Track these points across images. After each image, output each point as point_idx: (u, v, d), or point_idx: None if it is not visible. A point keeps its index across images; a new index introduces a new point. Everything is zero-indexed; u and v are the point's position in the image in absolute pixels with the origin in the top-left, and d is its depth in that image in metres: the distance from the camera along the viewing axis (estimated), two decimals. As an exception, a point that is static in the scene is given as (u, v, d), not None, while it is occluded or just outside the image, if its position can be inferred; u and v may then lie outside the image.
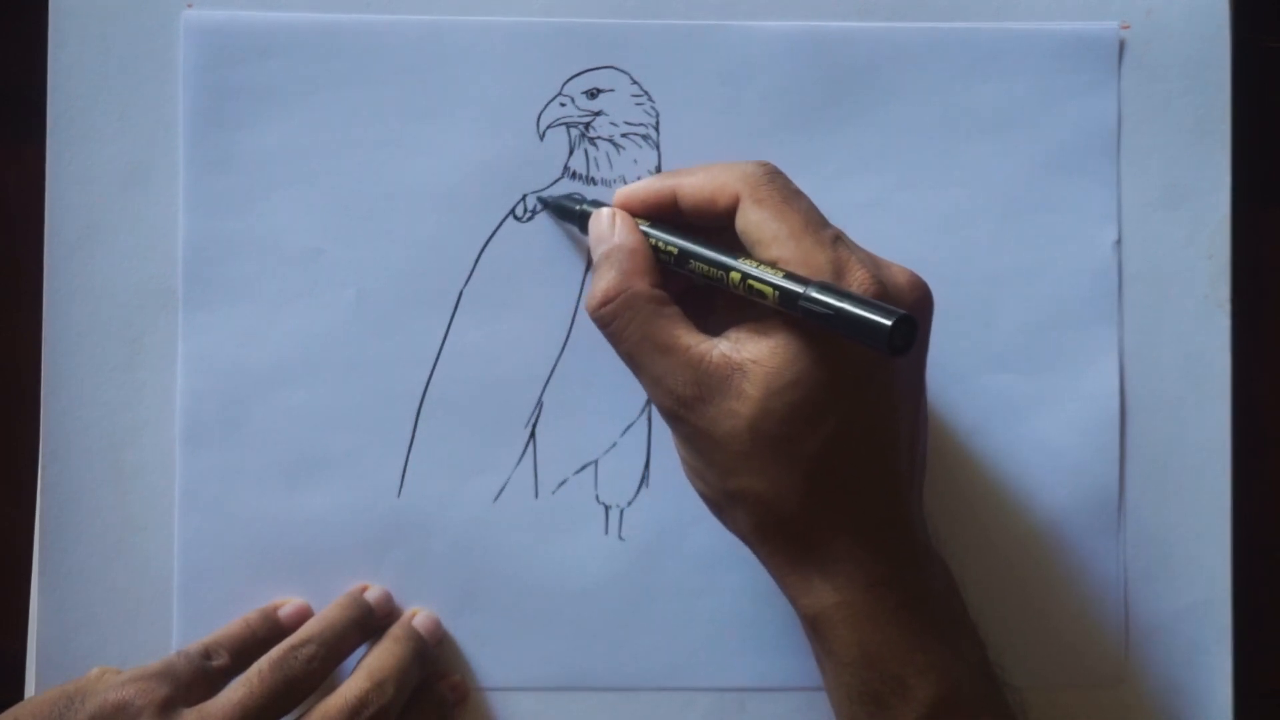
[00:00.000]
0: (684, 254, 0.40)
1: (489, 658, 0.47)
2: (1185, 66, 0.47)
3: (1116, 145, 0.47)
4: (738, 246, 0.39)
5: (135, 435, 0.47)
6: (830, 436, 0.37)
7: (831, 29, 0.47)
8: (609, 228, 0.41)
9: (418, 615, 0.46)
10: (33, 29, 0.46)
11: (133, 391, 0.47)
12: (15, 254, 0.48)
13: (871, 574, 0.38)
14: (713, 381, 0.37)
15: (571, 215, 0.45)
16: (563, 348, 0.47)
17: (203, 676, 0.41)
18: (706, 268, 0.39)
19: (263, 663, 0.41)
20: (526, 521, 0.47)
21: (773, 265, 0.37)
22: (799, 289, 0.36)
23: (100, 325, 0.47)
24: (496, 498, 0.47)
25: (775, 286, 0.36)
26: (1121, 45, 0.47)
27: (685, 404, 0.38)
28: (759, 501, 0.38)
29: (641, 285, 0.39)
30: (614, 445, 0.47)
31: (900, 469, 0.39)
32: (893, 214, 0.47)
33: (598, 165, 0.47)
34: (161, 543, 0.47)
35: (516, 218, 0.47)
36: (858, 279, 0.37)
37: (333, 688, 0.42)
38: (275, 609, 0.45)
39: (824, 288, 0.35)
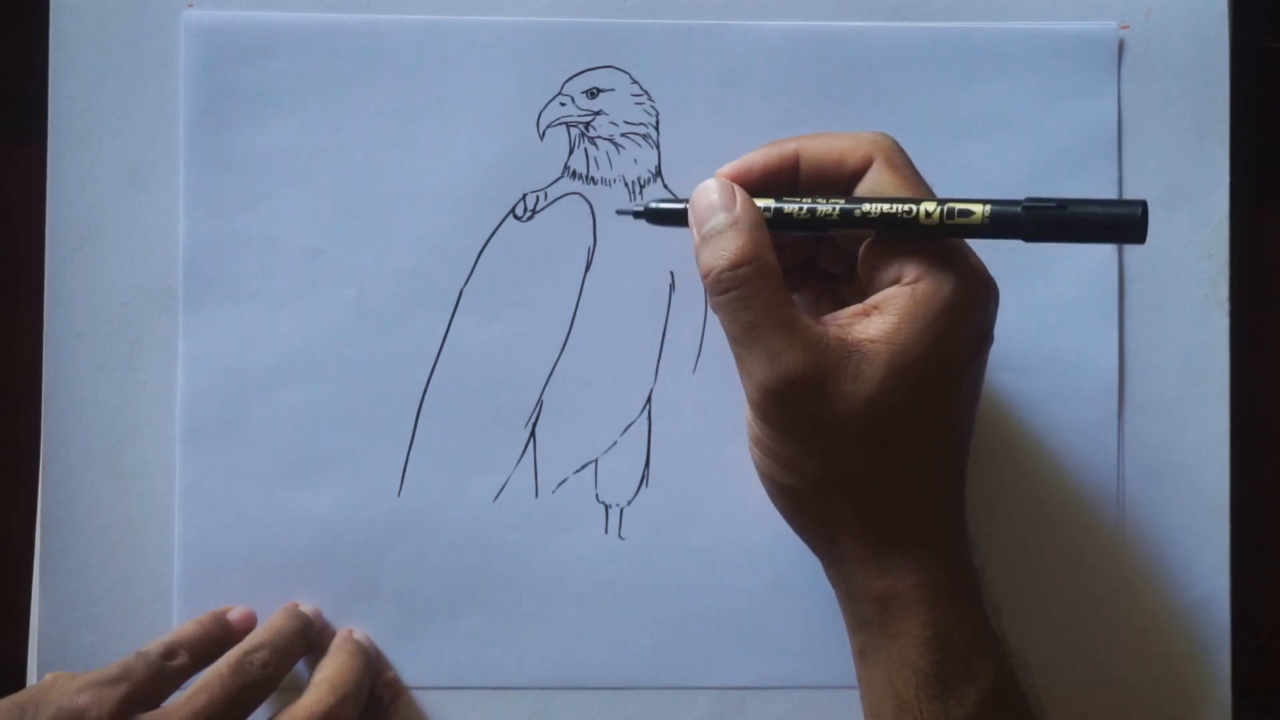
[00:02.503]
0: (848, 208, 0.37)
1: (489, 657, 0.47)
2: (1185, 67, 0.47)
3: (1116, 145, 0.47)
4: None
5: (135, 435, 0.47)
6: (933, 417, 0.38)
7: (831, 29, 0.47)
8: (729, 198, 0.38)
9: (355, 632, 0.46)
10: (33, 29, 0.46)
11: (133, 391, 0.47)
12: (15, 254, 0.48)
13: (947, 554, 0.39)
14: (831, 362, 0.36)
15: (674, 215, 0.41)
16: (563, 347, 0.47)
17: (161, 677, 0.40)
18: (887, 210, 0.36)
19: (221, 666, 0.41)
20: (526, 521, 0.47)
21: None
22: (1014, 209, 0.35)
23: (100, 325, 0.47)
24: (496, 497, 0.47)
25: (988, 201, 0.35)
26: (1121, 45, 0.47)
27: (800, 385, 0.36)
28: (860, 483, 0.38)
29: (772, 257, 0.38)
30: (614, 445, 0.47)
31: (966, 452, 0.40)
32: (893, 214, 0.47)
33: (598, 165, 0.47)
34: (161, 543, 0.47)
35: (517, 217, 0.47)
36: (972, 257, 0.38)
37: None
38: (224, 612, 0.45)
39: (1037, 200, 0.35)
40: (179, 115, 0.47)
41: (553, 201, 0.47)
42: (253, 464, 0.47)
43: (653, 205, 0.41)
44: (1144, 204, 0.34)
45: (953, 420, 0.39)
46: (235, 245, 0.47)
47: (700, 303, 0.47)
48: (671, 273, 0.47)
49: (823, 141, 0.39)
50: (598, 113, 0.47)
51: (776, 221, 0.38)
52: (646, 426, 0.47)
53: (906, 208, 0.36)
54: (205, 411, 0.47)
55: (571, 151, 0.47)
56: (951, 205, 0.36)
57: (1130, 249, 0.47)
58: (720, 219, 0.38)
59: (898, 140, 0.39)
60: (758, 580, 0.47)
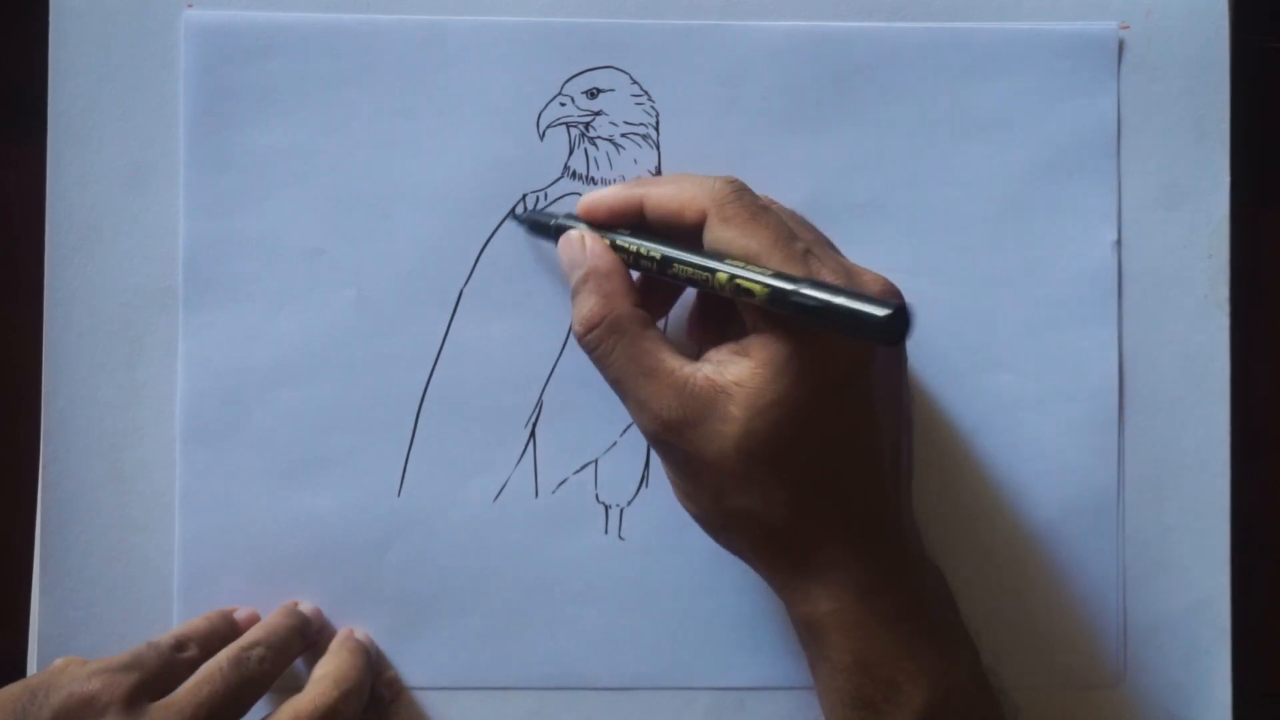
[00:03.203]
0: (666, 259, 0.39)
1: (489, 657, 0.47)
2: (1185, 67, 0.47)
3: (1116, 145, 0.47)
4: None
5: (135, 435, 0.47)
6: (815, 450, 0.37)
7: (831, 29, 0.47)
8: (580, 250, 0.41)
9: (355, 631, 0.46)
10: (33, 29, 0.46)
11: (133, 391, 0.47)
12: (15, 254, 0.48)
13: (863, 581, 0.39)
14: (698, 404, 0.37)
15: (546, 230, 0.44)
16: (563, 347, 0.47)
17: (171, 668, 0.41)
18: (691, 270, 0.38)
19: (221, 659, 0.41)
20: (526, 521, 0.47)
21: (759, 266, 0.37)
22: (789, 286, 0.35)
23: (100, 325, 0.47)
24: (496, 497, 0.47)
25: (765, 284, 0.36)
26: (1121, 45, 0.47)
27: (671, 428, 0.38)
28: (752, 519, 0.38)
29: (624, 307, 0.39)
30: (614, 445, 0.47)
31: (885, 477, 0.39)
32: (893, 214, 0.47)
33: (598, 165, 0.47)
34: (161, 543, 0.47)
35: (516, 218, 0.47)
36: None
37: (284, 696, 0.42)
38: (231, 612, 0.46)
39: (814, 283, 0.35)
40: (179, 115, 0.47)
41: (553, 201, 0.47)
42: (253, 464, 0.47)
43: (533, 217, 0.44)
44: (898, 308, 0.33)
45: (846, 450, 0.38)
46: (235, 245, 0.47)
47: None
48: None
49: (665, 191, 0.40)
50: (598, 113, 0.47)
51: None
52: (646, 426, 0.47)
53: (704, 275, 0.38)
54: (205, 411, 0.47)
55: (571, 152, 0.47)
56: (739, 281, 0.36)
57: (1130, 249, 0.47)
58: (576, 276, 0.40)
59: (744, 184, 0.39)
60: (757, 580, 0.47)
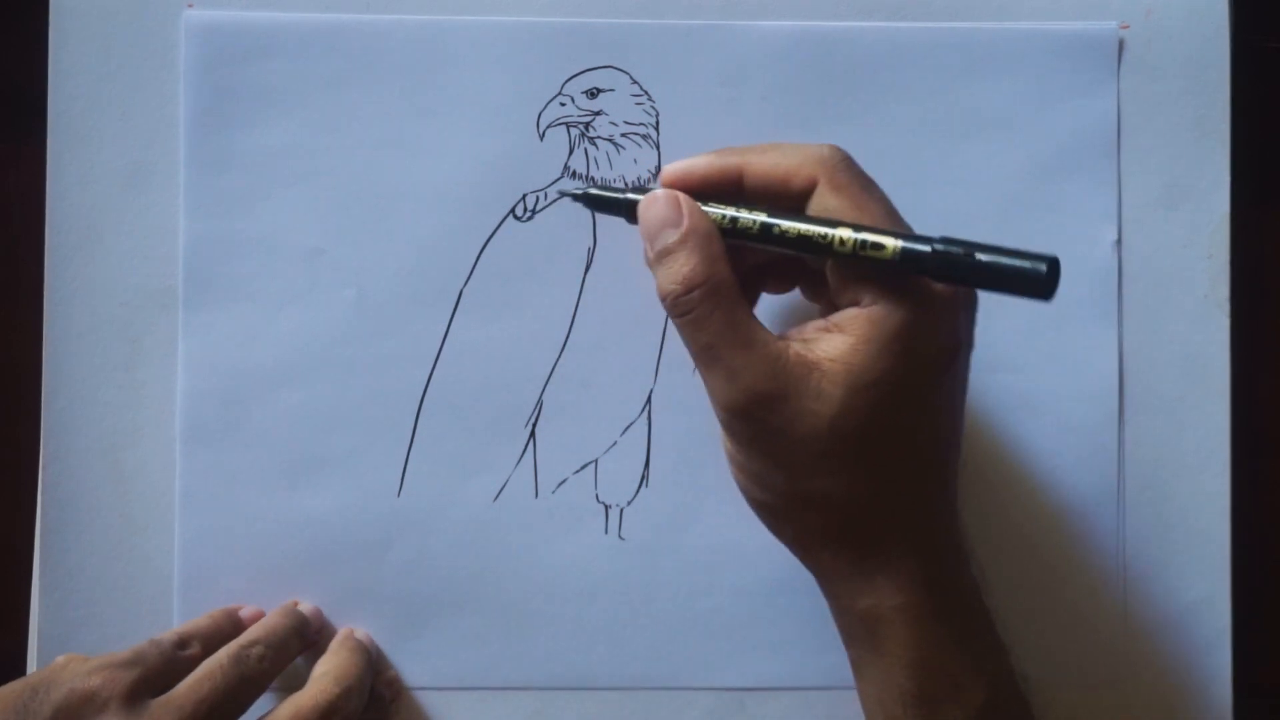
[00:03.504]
0: (768, 225, 0.36)
1: (489, 657, 0.47)
2: (1185, 67, 0.47)
3: (1116, 145, 0.47)
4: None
5: (135, 435, 0.47)
6: (905, 432, 0.37)
7: (831, 29, 0.47)
8: (675, 211, 0.38)
9: (355, 631, 0.47)
10: (33, 29, 0.46)
11: (133, 391, 0.47)
12: (15, 254, 0.48)
13: (932, 573, 0.38)
14: (791, 379, 0.36)
15: (615, 205, 0.40)
16: (563, 348, 0.47)
17: (172, 665, 0.41)
18: (804, 233, 0.36)
19: (221, 657, 0.41)
20: (526, 521, 0.47)
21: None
22: (925, 246, 0.34)
23: (100, 325, 0.47)
24: (496, 498, 0.47)
25: (897, 236, 0.34)
26: (1121, 45, 0.47)
27: (762, 401, 0.36)
28: (831, 502, 0.37)
29: (725, 272, 0.37)
30: (614, 445, 0.47)
31: (953, 465, 0.39)
32: (893, 214, 0.47)
33: (598, 165, 0.47)
34: (161, 543, 0.47)
35: (516, 218, 0.47)
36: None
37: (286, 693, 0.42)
38: (235, 610, 0.46)
39: (951, 240, 0.34)
40: (179, 115, 0.47)
41: (553, 201, 0.47)
42: (253, 464, 0.47)
43: (593, 191, 0.40)
44: (1051, 260, 0.33)
45: (927, 436, 0.38)
46: (235, 245, 0.47)
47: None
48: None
49: (768, 159, 0.38)
50: (598, 113, 0.47)
51: None
52: (646, 426, 0.47)
53: (822, 233, 0.36)
54: (205, 411, 0.47)
55: (571, 152, 0.47)
56: (865, 237, 0.35)
57: (1130, 249, 0.47)
58: (669, 237, 0.37)
59: (851, 152, 0.38)
60: (758, 580, 0.47)
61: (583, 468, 0.47)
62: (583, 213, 0.47)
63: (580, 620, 0.47)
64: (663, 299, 0.38)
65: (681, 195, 0.38)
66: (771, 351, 0.36)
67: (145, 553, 0.47)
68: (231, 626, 0.45)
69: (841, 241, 0.35)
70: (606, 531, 0.47)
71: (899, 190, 0.47)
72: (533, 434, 0.47)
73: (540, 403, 0.47)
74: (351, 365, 0.47)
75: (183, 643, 0.42)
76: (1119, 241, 0.47)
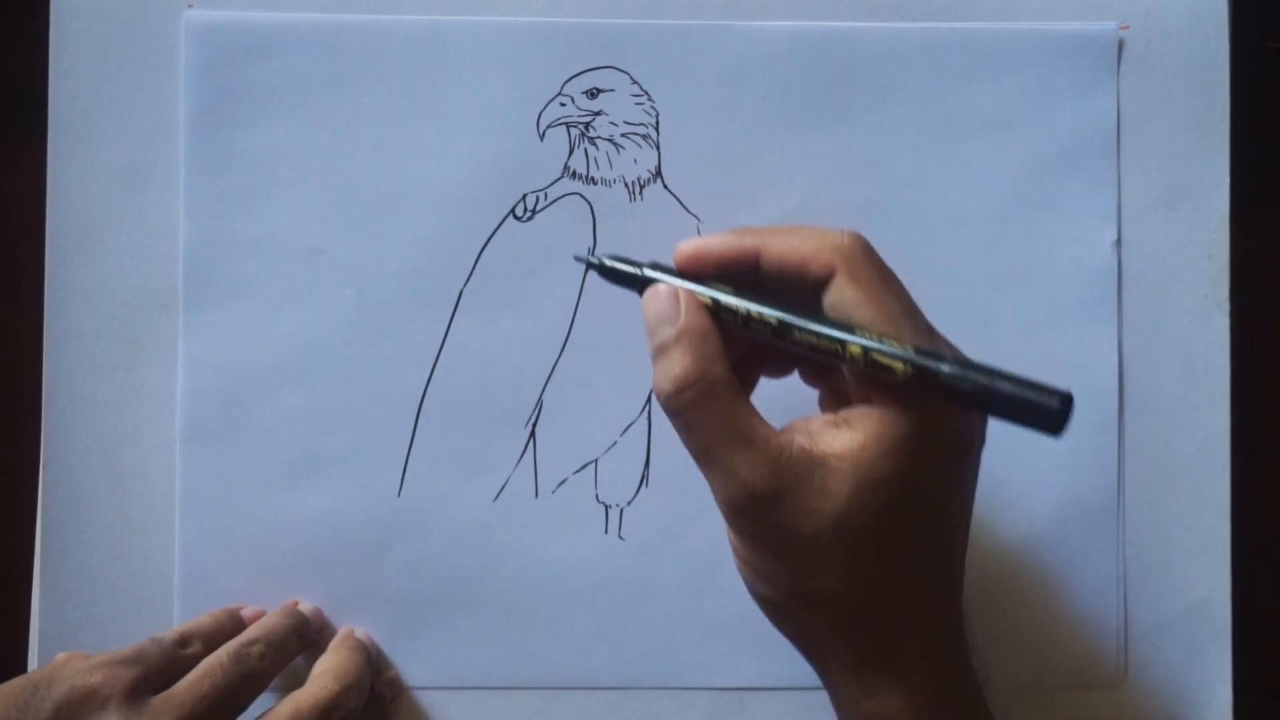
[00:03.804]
0: (785, 325, 0.35)
1: (489, 657, 0.47)
2: (1184, 67, 0.47)
3: (1116, 145, 0.47)
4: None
5: (135, 435, 0.47)
6: (913, 530, 0.36)
7: (831, 29, 0.47)
8: (673, 308, 0.37)
9: (355, 630, 0.47)
10: (33, 29, 0.46)
11: (133, 391, 0.47)
12: (16, 254, 0.48)
13: (939, 678, 0.37)
14: (793, 476, 0.35)
15: (627, 280, 0.39)
16: (563, 348, 0.47)
17: (173, 664, 0.41)
18: (816, 340, 0.35)
19: (221, 655, 0.41)
20: (526, 521, 0.47)
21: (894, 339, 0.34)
22: (938, 365, 0.33)
23: (100, 325, 0.47)
24: (496, 497, 0.47)
25: (910, 362, 0.33)
26: (1121, 45, 0.47)
27: (763, 500, 0.35)
28: (836, 602, 0.36)
29: (719, 371, 0.36)
30: (614, 445, 0.47)
31: (960, 560, 0.38)
32: (893, 214, 0.47)
33: (597, 165, 0.47)
34: (161, 543, 0.47)
35: (517, 218, 0.47)
36: None
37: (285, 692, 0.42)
38: (238, 610, 0.46)
39: (966, 364, 0.33)
40: (179, 115, 0.47)
41: (553, 201, 0.47)
42: (253, 464, 0.47)
43: (607, 262, 0.39)
44: (1065, 396, 0.32)
45: (936, 535, 0.37)
46: (235, 245, 0.47)
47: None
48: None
49: (787, 243, 0.37)
50: (598, 113, 0.47)
51: (720, 314, 0.37)
52: (646, 426, 0.47)
53: (836, 344, 0.35)
54: (205, 411, 0.47)
55: (571, 152, 0.47)
56: (876, 357, 0.34)
57: (1130, 249, 0.47)
58: (666, 333, 0.37)
59: (868, 241, 0.37)
60: (758, 580, 0.47)
61: (583, 468, 0.47)
62: (583, 213, 0.47)
63: (580, 620, 0.47)
64: (657, 397, 0.37)
65: (682, 290, 0.37)
66: (772, 448, 0.35)
67: (145, 553, 0.47)
68: (233, 626, 0.45)
69: (853, 356, 0.34)
70: (606, 531, 0.47)
71: (899, 190, 0.47)
72: (533, 434, 0.47)
73: (540, 403, 0.47)
74: (351, 365, 0.47)
75: (184, 641, 0.42)
76: (1119, 241, 0.47)
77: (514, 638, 0.47)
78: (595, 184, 0.47)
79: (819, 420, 0.36)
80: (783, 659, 0.47)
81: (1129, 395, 0.47)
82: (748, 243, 0.37)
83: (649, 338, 0.37)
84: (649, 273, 0.38)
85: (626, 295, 0.47)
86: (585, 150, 0.47)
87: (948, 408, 0.35)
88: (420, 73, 0.47)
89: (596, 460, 0.47)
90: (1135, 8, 0.47)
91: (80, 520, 0.46)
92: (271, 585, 0.46)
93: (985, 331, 0.47)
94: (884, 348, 0.34)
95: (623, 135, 0.47)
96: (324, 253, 0.47)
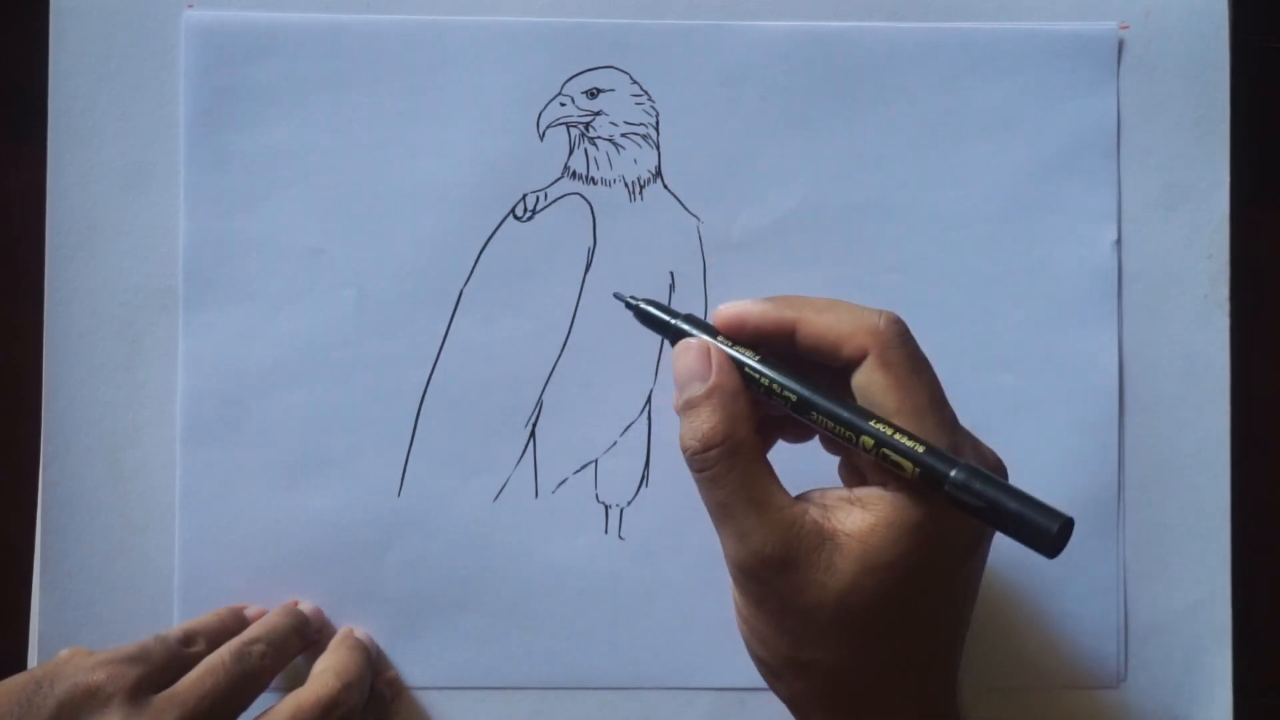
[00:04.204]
0: (805, 403, 0.36)
1: (489, 657, 0.47)
2: (1184, 67, 0.47)
3: (1116, 145, 0.47)
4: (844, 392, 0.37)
5: (135, 435, 0.47)
6: (914, 616, 0.36)
7: (831, 29, 0.47)
8: (704, 365, 0.37)
9: (355, 630, 0.47)
10: (33, 29, 0.46)
11: (133, 391, 0.47)
12: (16, 254, 0.48)
13: None
14: (802, 547, 0.35)
15: (662, 327, 0.40)
16: (563, 348, 0.47)
17: (177, 662, 0.41)
18: (832, 424, 0.36)
19: (223, 654, 0.41)
20: (526, 521, 0.47)
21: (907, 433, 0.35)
22: (946, 470, 0.33)
23: (100, 325, 0.47)
24: (496, 498, 0.47)
25: (918, 463, 0.34)
26: (1121, 45, 0.47)
27: (770, 566, 0.36)
28: (828, 674, 0.37)
29: (745, 433, 0.36)
30: (614, 445, 0.47)
31: (961, 642, 0.39)
32: (893, 214, 0.47)
33: (597, 165, 0.47)
34: (161, 543, 0.47)
35: (517, 218, 0.47)
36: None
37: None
38: (241, 609, 0.46)
39: (974, 473, 0.33)
40: (179, 115, 0.47)
41: (553, 201, 0.47)
42: (253, 464, 0.47)
43: (643, 306, 0.40)
44: (1066, 521, 0.33)
45: (939, 619, 0.37)
46: (235, 245, 0.47)
47: (700, 303, 0.47)
48: (671, 273, 0.47)
49: (825, 320, 0.37)
50: (598, 113, 0.47)
51: (745, 378, 0.37)
52: (646, 426, 0.47)
53: (850, 430, 0.35)
54: (205, 411, 0.47)
55: (571, 152, 0.47)
56: (887, 451, 0.34)
57: (1130, 249, 0.47)
58: (696, 390, 0.37)
59: (906, 325, 0.37)
60: (758, 580, 0.47)
61: (583, 468, 0.47)
62: (583, 213, 0.47)
63: (580, 620, 0.47)
64: (683, 451, 0.37)
65: (714, 347, 0.37)
66: (786, 516, 0.36)
67: (145, 553, 0.47)
68: (237, 625, 0.45)
69: (865, 447, 0.35)
70: (606, 531, 0.47)
71: (899, 190, 0.47)
72: (533, 434, 0.47)
73: (540, 403, 0.47)
74: (351, 365, 0.47)
75: (188, 639, 0.42)
76: (1119, 241, 0.47)
77: (514, 638, 0.47)
78: (595, 184, 0.47)
79: (834, 494, 0.37)
80: (783, 659, 0.47)
81: (1129, 395, 0.47)
82: (786, 315, 0.37)
83: (678, 390, 0.38)
84: (683, 325, 0.39)
85: (627, 294, 0.47)
86: (585, 150, 0.47)
87: (953, 511, 0.35)
88: (420, 73, 0.47)
89: (596, 460, 0.47)
90: (1135, 8, 0.47)
91: (80, 520, 0.46)
92: (272, 585, 0.46)
93: (985, 331, 0.47)
94: (896, 444, 0.34)
95: (623, 135, 0.47)
96: (324, 253, 0.47)
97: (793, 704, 0.39)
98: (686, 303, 0.47)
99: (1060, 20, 0.47)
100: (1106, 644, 0.47)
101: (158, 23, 0.47)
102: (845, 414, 0.35)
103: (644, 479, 0.47)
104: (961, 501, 0.33)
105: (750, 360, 0.37)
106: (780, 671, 0.38)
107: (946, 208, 0.47)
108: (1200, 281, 0.47)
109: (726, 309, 0.38)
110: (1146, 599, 0.47)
